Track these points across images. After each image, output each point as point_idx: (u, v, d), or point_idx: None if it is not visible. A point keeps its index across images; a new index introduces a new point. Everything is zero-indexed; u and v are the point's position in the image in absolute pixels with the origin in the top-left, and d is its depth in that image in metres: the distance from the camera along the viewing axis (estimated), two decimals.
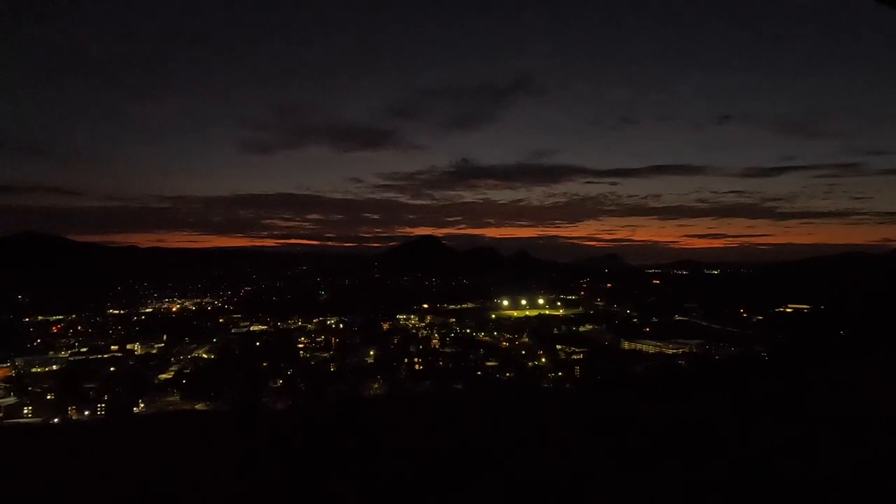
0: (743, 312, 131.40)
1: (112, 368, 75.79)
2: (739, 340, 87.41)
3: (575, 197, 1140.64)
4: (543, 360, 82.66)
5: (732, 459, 4.52)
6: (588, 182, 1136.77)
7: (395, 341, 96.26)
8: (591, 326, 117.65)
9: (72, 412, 56.56)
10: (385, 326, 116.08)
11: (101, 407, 56.85)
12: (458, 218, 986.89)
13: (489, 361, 78.48)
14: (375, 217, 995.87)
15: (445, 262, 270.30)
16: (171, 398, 60.45)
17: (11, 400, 60.53)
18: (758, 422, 5.82)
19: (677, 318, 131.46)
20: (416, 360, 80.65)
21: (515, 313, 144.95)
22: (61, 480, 4.94)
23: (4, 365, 77.58)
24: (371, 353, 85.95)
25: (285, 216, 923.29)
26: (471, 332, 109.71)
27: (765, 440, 5.05)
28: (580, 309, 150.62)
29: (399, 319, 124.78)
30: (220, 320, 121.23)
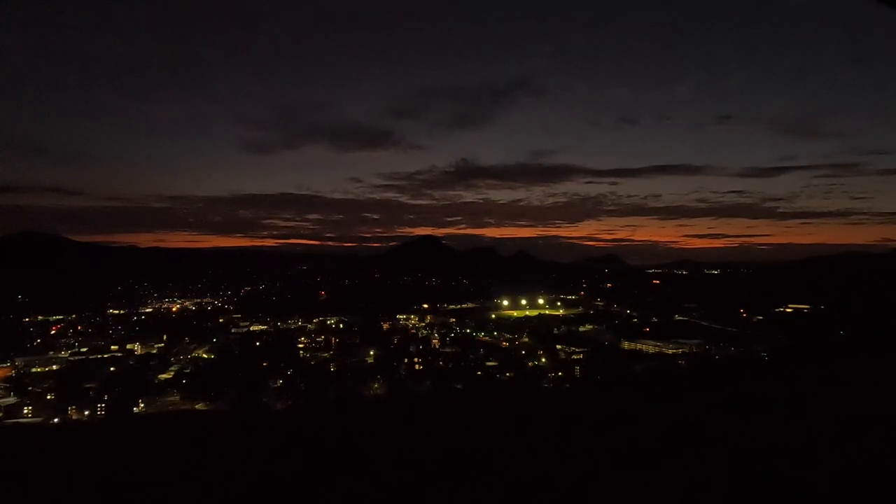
0: (743, 312, 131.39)
1: (112, 368, 75.75)
2: (739, 340, 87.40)
3: (575, 197, 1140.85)
4: (543, 360, 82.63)
5: (732, 459, 4.52)
6: (588, 182, 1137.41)
7: (395, 341, 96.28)
8: (591, 326, 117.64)
9: (72, 412, 56.53)
10: (385, 326, 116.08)
11: (101, 407, 56.80)
12: (458, 218, 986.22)
13: (489, 361, 78.44)
14: (375, 217, 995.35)
15: (445, 262, 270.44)
16: (171, 398, 60.39)
17: (11, 400, 60.48)
18: (757, 421, 5.82)
19: (677, 318, 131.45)
20: (416, 360, 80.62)
21: (515, 313, 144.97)
22: (61, 480, 4.95)
23: (4, 365, 77.53)
24: (371, 353, 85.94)
25: (285, 216, 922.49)
26: (471, 332, 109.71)
27: (765, 440, 5.05)
28: (580, 309, 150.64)
29: (399, 319, 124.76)
30: (220, 320, 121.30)
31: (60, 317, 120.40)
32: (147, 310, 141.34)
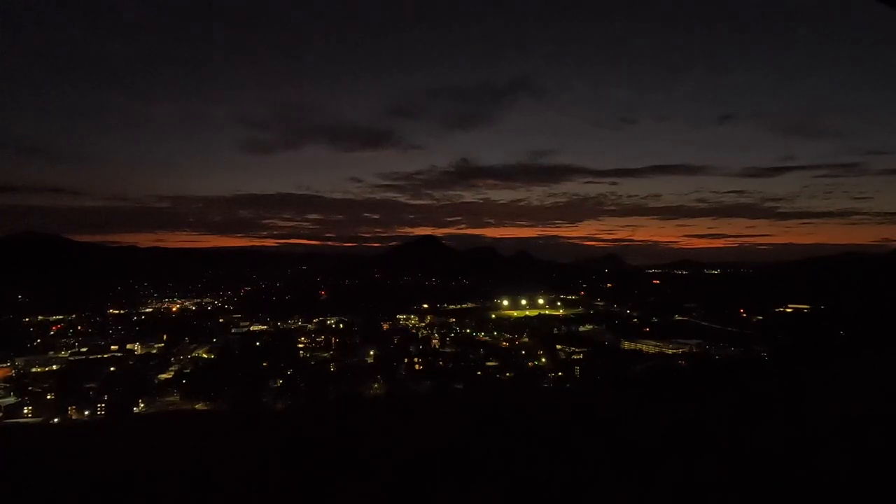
0: (743, 312, 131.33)
1: (112, 368, 75.70)
2: (739, 340, 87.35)
3: (575, 197, 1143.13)
4: (543, 360, 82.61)
5: (733, 459, 4.52)
6: (588, 182, 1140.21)
7: (395, 341, 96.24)
8: (591, 326, 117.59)
9: (72, 412, 56.53)
10: (385, 326, 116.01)
11: (101, 407, 56.80)
12: (458, 218, 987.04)
13: (489, 361, 78.42)
14: (375, 217, 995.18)
15: (445, 262, 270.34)
16: (171, 398, 60.39)
17: (11, 400, 60.45)
18: (757, 421, 5.82)
19: (677, 318, 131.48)
20: (416, 360, 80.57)
21: (515, 313, 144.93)
22: (61, 480, 4.94)
23: (4, 365, 77.49)
24: (371, 353, 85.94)
25: (285, 216, 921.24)
26: (471, 332, 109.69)
27: (765, 440, 5.05)
28: (580, 309, 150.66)
29: (399, 319, 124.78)
30: (220, 320, 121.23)
31: (60, 317, 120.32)
32: (147, 310, 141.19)
